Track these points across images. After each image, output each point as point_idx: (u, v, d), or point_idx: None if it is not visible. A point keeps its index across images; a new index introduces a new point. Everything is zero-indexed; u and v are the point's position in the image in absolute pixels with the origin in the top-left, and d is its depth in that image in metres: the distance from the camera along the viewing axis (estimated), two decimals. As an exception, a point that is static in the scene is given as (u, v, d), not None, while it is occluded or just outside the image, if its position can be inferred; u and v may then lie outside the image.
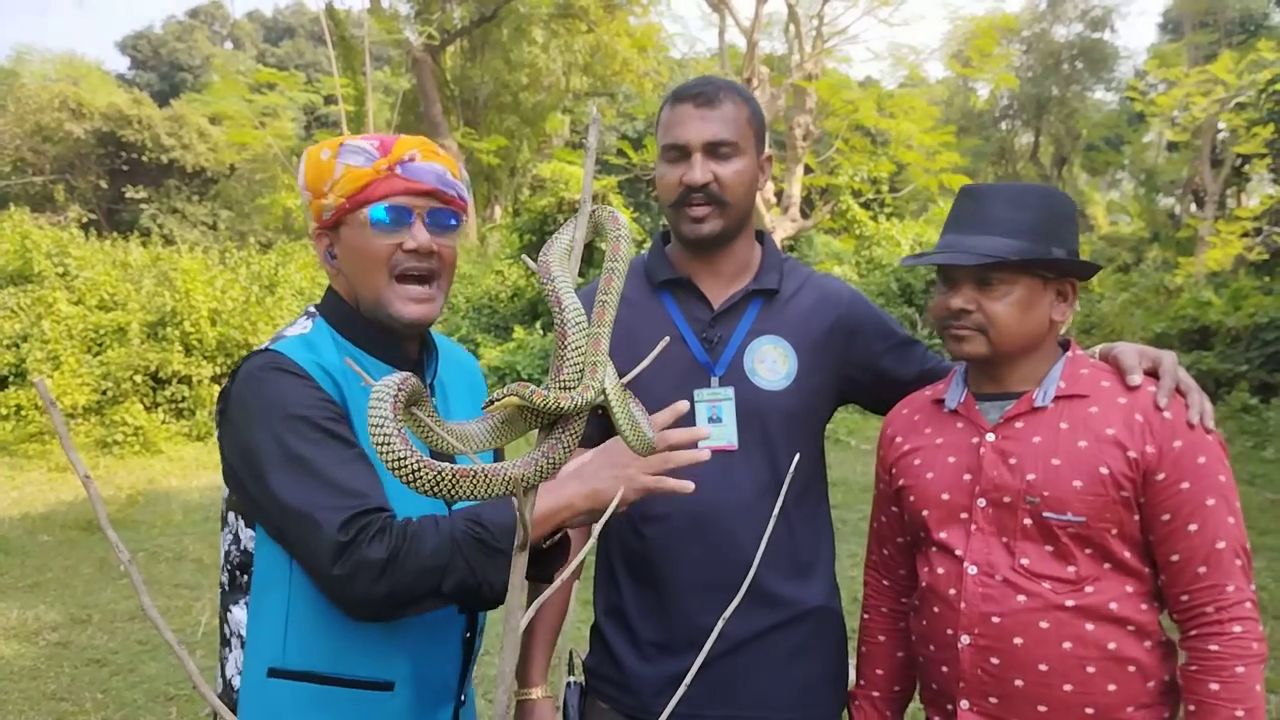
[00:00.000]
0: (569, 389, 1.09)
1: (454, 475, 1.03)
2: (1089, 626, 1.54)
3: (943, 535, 1.67)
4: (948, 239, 1.66)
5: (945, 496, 1.67)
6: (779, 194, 16.52)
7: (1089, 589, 1.55)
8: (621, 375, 1.23)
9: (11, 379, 9.95)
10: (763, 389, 1.82)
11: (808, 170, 17.41)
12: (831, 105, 16.46)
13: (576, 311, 1.10)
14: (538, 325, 13.32)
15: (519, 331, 13.03)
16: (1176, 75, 18.95)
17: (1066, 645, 1.54)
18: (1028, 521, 1.57)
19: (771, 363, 1.83)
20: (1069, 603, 1.54)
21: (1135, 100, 21.01)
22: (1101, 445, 1.55)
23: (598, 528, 1.18)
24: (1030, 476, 1.57)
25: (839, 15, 17.63)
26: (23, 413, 9.62)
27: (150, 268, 12.28)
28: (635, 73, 21.60)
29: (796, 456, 1.40)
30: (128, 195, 23.73)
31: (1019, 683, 1.56)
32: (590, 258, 11.27)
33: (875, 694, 1.89)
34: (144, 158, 23.48)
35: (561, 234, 1.18)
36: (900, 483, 1.76)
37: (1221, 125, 19.47)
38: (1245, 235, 16.85)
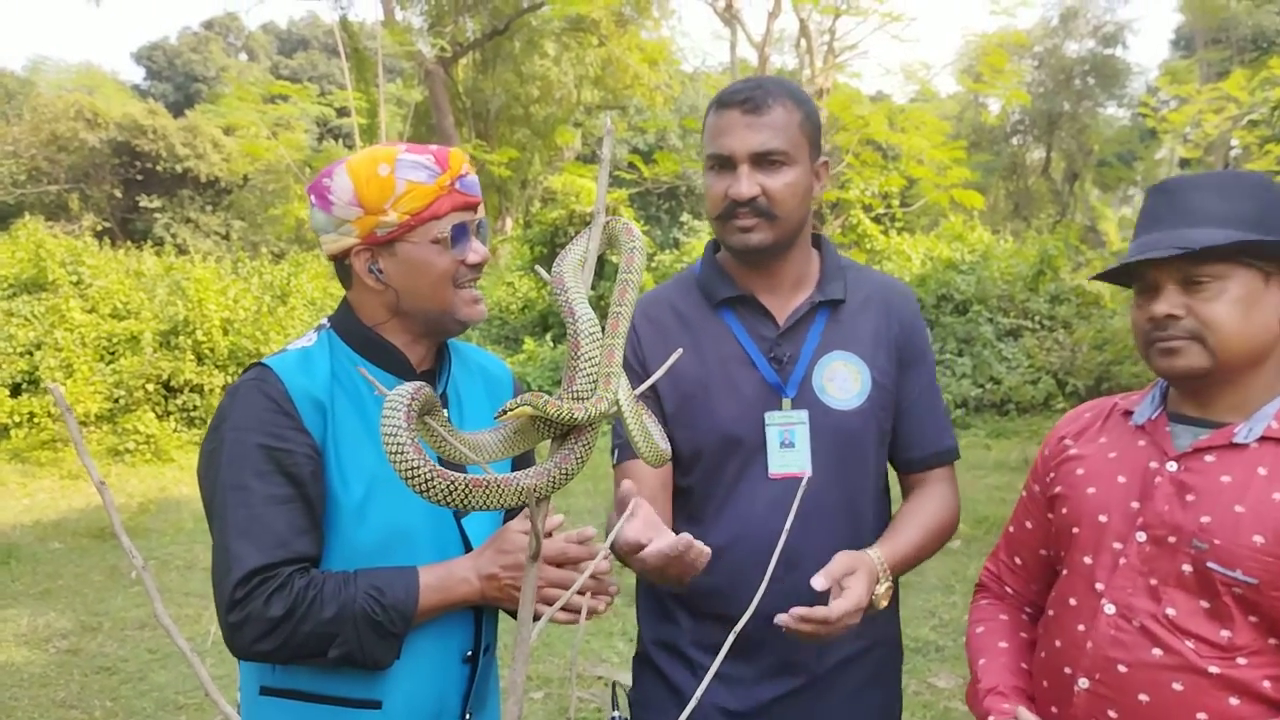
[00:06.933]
0: (582, 399, 1.09)
1: (467, 485, 1.03)
2: (1233, 701, 1.30)
3: (1086, 560, 1.45)
4: (1142, 240, 1.41)
5: (1102, 519, 1.44)
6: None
7: (1241, 660, 1.30)
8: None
9: (25, 386, 10.00)
10: (835, 409, 1.70)
11: (818, 184, 17.39)
12: (842, 120, 16.44)
13: (590, 322, 1.10)
14: (548, 337, 13.32)
15: (529, 343, 13.02)
16: (1188, 92, 18.90)
17: (1201, 716, 1.31)
18: (1187, 568, 1.34)
19: (843, 380, 1.72)
20: (1213, 669, 1.31)
21: (1147, 116, 20.97)
22: None
23: (605, 546, 1.19)
24: (1205, 519, 1.33)
25: (850, 30, 17.70)
26: (36, 420, 9.66)
27: (163, 277, 12.33)
28: (646, 86, 21.68)
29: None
30: (142, 205, 23.87)
31: None
32: (601, 271, 11.27)
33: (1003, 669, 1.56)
34: (158, 167, 23.63)
35: (575, 245, 1.18)
36: (1057, 489, 1.54)
37: (1234, 142, 19.39)
38: (1258, 252, 16.74)
